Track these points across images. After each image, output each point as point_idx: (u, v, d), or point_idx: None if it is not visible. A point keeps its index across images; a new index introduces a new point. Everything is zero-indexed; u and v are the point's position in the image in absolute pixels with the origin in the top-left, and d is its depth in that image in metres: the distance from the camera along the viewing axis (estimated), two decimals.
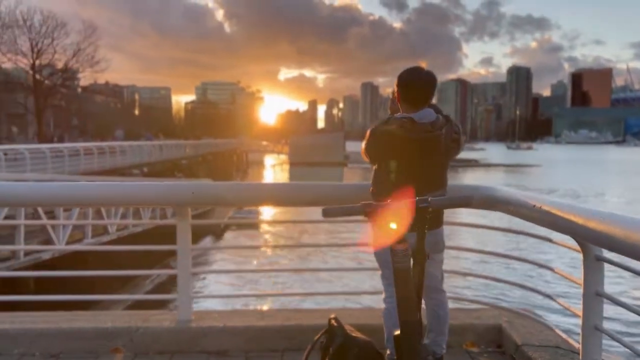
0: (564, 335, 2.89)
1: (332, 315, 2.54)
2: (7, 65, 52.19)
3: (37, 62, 50.91)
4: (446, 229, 3.00)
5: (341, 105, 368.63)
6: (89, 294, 3.93)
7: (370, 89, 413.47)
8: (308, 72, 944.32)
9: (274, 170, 70.60)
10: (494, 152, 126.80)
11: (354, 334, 2.39)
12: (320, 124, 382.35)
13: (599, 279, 2.42)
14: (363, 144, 2.87)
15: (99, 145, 22.76)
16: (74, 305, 3.74)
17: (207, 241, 17.95)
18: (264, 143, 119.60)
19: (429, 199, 1.75)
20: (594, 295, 2.45)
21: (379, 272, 3.46)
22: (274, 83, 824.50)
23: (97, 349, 3.37)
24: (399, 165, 2.67)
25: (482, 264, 14.47)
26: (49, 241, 9.72)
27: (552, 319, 3.14)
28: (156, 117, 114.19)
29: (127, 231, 12.47)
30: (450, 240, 3.15)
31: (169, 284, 12.22)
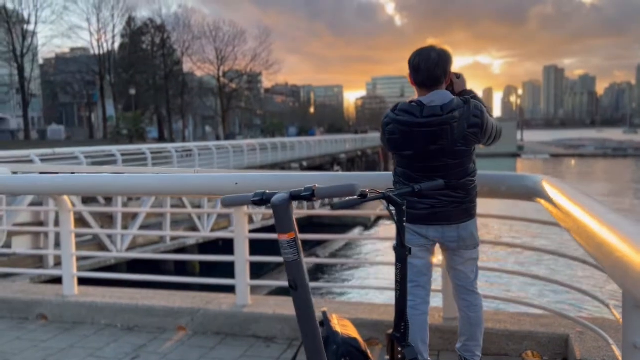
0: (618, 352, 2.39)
1: (323, 309, 2.46)
2: (198, 72, 59.08)
3: (222, 68, 56.78)
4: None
5: (520, 91, 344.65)
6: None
7: (555, 73, 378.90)
8: (483, 59, 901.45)
9: None
10: None
11: (338, 329, 2.29)
12: (497, 113, 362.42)
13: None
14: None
15: (262, 142, 24.62)
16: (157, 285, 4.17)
17: (356, 232, 18.30)
18: None
19: (315, 187, 1.60)
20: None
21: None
22: None
23: (165, 325, 3.72)
24: (406, 153, 2.47)
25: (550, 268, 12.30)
26: (194, 228, 10.94)
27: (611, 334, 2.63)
28: (328, 114, 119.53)
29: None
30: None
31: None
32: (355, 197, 1.64)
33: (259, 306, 3.67)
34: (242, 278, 3.71)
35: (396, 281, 2.15)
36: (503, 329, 3.10)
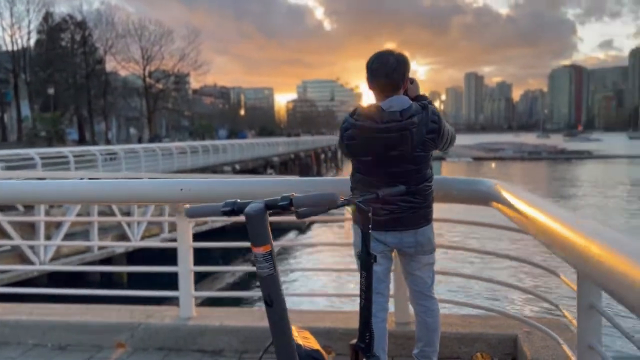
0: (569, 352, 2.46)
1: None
2: (122, 72, 56.77)
3: (148, 68, 54.89)
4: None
5: (443, 97, 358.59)
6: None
7: (475, 80, 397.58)
8: None
9: None
10: (614, 142, 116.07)
11: (300, 342, 2.19)
12: None
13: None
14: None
15: (192, 144, 23.99)
16: (87, 299, 3.89)
17: (291, 236, 18.19)
18: None
19: (292, 195, 1.51)
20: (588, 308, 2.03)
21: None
22: None
23: (102, 342, 3.46)
24: (365, 159, 2.43)
25: (491, 269, 12.87)
26: (124, 236, 10.40)
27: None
28: (259, 117, 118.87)
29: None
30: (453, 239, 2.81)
31: None
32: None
33: (204, 318, 3.49)
34: (186, 289, 3.52)
35: (361, 290, 2.09)
36: (454, 332, 3.13)
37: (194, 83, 75.03)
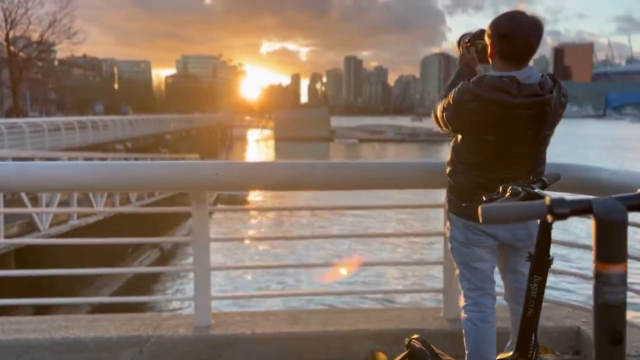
0: None
1: (414, 336, 1.98)
2: None
3: (12, 33, 48.80)
4: None
5: (325, 79, 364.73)
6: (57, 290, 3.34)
7: (354, 63, 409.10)
8: (291, 46, 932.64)
9: (258, 145, 69.67)
10: None
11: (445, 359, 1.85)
12: (304, 98, 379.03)
13: None
14: (439, 109, 2.26)
15: (81, 119, 21.73)
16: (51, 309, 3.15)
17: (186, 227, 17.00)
18: (247, 118, 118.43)
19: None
20: None
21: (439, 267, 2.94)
22: (256, 56, 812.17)
23: None
24: (497, 139, 2.09)
25: None
26: (31, 224, 9.03)
27: None
28: (136, 91, 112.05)
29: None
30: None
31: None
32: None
33: (228, 326, 2.97)
34: (204, 291, 2.97)
35: (531, 298, 1.79)
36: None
37: (60, 53, 68.07)
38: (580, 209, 1.04)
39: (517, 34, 2.02)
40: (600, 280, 1.03)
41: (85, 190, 8.24)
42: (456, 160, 2.25)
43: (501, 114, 2.04)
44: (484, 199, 1.73)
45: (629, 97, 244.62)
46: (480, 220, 1.09)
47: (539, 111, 2.04)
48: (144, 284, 11.29)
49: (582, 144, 65.18)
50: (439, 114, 2.26)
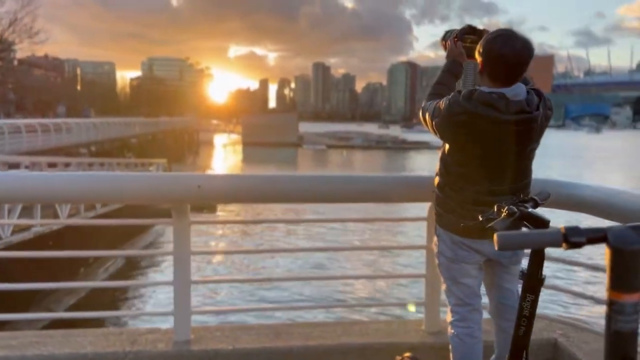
0: None
1: (407, 354, 1.97)
2: None
3: None
4: None
5: (293, 85, 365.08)
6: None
7: (322, 70, 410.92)
8: (259, 50, 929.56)
9: (226, 150, 69.11)
10: None
11: None
12: (272, 103, 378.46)
13: None
14: (428, 114, 2.25)
15: (42, 122, 21.06)
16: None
17: (146, 240, 16.62)
18: (215, 122, 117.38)
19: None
20: None
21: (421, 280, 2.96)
22: (224, 60, 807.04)
23: None
24: (484, 153, 2.11)
25: None
26: None
27: None
28: (100, 93, 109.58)
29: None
30: None
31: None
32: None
33: (207, 341, 2.90)
34: (184, 306, 2.90)
35: (521, 315, 1.80)
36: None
37: (20, 52, 66.01)
38: (596, 238, 1.05)
39: (509, 58, 2.04)
40: (614, 309, 1.04)
41: (62, 202, 7.95)
42: (444, 172, 2.26)
43: (489, 129, 2.07)
44: (480, 218, 1.76)
45: (587, 109, 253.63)
46: (496, 248, 1.09)
47: (527, 128, 2.08)
48: (107, 294, 10.92)
49: (545, 153, 67.02)
50: (428, 119, 2.27)
